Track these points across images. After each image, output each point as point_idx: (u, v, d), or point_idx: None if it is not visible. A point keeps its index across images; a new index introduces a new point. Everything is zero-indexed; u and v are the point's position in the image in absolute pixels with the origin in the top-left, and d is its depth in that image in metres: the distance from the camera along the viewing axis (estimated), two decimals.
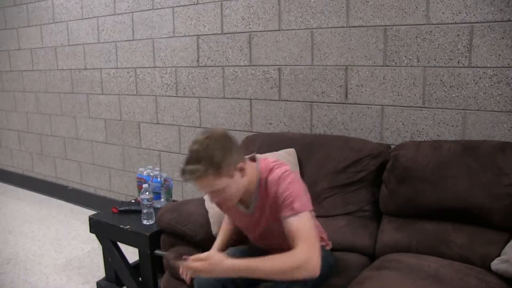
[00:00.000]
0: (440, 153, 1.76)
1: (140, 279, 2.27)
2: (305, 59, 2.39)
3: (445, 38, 1.97)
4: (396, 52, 2.10)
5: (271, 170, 1.44)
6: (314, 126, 2.43)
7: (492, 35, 1.87)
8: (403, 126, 2.14)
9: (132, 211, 2.40)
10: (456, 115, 2.00)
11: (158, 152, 3.23)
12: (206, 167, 1.32)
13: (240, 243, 1.78)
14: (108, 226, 2.27)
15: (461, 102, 1.98)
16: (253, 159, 1.52)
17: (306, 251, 1.27)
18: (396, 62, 2.11)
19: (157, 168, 2.69)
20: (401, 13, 2.06)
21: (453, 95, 2.00)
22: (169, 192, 2.56)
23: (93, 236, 2.44)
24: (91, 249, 2.98)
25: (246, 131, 2.69)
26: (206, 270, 1.31)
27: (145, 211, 2.24)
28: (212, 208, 1.94)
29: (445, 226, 1.72)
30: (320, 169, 2.03)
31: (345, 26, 2.23)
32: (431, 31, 2.00)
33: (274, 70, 2.52)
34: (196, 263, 1.31)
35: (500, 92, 1.89)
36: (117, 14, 3.24)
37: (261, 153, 2.13)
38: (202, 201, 2.10)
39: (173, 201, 2.54)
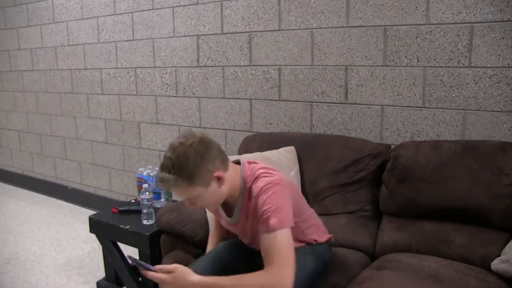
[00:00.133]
0: (440, 153, 1.76)
1: (140, 279, 2.27)
2: (305, 59, 2.39)
3: (445, 38, 1.97)
4: (396, 52, 2.10)
5: (256, 178, 1.36)
6: (314, 126, 2.43)
7: (492, 35, 1.87)
8: (403, 126, 2.14)
9: (132, 211, 2.40)
10: (456, 115, 2.00)
11: (158, 152, 3.23)
12: (175, 176, 1.27)
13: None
14: (108, 226, 2.27)
15: (461, 102, 1.98)
16: (238, 163, 1.45)
17: (275, 273, 1.21)
18: (396, 62, 2.11)
19: (157, 168, 2.69)
20: (401, 13, 2.06)
21: (453, 95, 1.99)
22: (169, 192, 2.56)
23: (93, 236, 2.44)
24: (91, 249, 2.97)
25: (246, 131, 2.69)
26: (170, 283, 1.25)
27: (145, 211, 2.24)
28: None
29: (445, 226, 1.72)
30: (320, 168, 2.03)
31: (345, 26, 2.23)
32: (431, 31, 2.00)
33: (274, 70, 2.52)
34: (160, 275, 1.25)
35: (500, 92, 1.89)
36: (117, 14, 3.24)
37: (260, 151, 2.13)
38: None
39: (173, 201, 2.54)
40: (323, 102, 2.37)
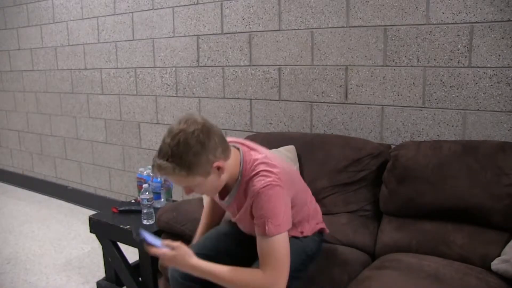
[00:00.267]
0: (440, 153, 1.76)
1: (140, 279, 2.27)
2: (305, 59, 2.39)
3: (445, 38, 1.97)
4: (396, 52, 2.10)
5: (255, 175, 1.31)
6: (314, 126, 2.43)
7: (492, 35, 1.87)
8: (403, 126, 2.14)
9: (132, 211, 2.40)
10: (456, 115, 2.00)
11: None
12: (173, 165, 1.21)
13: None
14: (108, 226, 2.27)
15: (461, 102, 1.98)
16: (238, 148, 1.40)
17: (270, 276, 1.24)
18: (396, 62, 2.11)
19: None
20: (401, 13, 2.06)
21: (453, 95, 2.00)
22: (169, 192, 2.56)
23: (93, 236, 2.44)
24: (91, 249, 2.97)
25: (246, 131, 2.69)
26: (170, 259, 1.30)
27: (145, 211, 2.24)
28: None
29: (445, 226, 1.72)
30: (320, 167, 2.03)
31: (345, 26, 2.23)
32: (431, 31, 2.00)
33: (274, 70, 2.52)
34: (163, 250, 1.30)
35: (500, 92, 1.89)
36: (117, 14, 3.24)
37: None
38: (201, 200, 2.10)
39: (173, 201, 2.54)
40: (323, 102, 2.37)
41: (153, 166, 1.26)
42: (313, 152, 2.09)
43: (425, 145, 1.82)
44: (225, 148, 1.31)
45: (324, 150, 2.06)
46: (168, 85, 3.05)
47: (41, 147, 4.20)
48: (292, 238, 1.51)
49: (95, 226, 2.35)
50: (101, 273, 2.56)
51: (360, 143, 2.03)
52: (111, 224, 2.25)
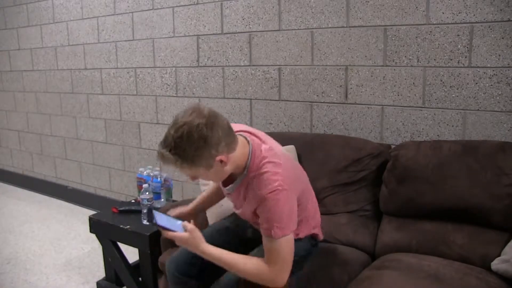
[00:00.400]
0: (440, 153, 1.76)
1: (140, 279, 2.27)
2: (305, 59, 2.39)
3: (445, 38, 1.97)
4: (396, 52, 2.10)
5: (263, 174, 1.31)
6: (314, 126, 2.43)
7: (492, 35, 1.87)
8: (403, 126, 2.14)
9: (132, 211, 2.40)
10: (456, 115, 2.00)
11: None
12: (176, 158, 1.23)
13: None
14: (108, 226, 2.27)
15: (461, 102, 1.98)
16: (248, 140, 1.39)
17: (274, 271, 1.32)
18: (396, 62, 2.11)
19: (157, 168, 2.70)
20: (401, 13, 2.06)
21: (453, 95, 2.00)
22: (169, 192, 2.56)
23: (93, 236, 2.44)
24: (91, 249, 2.98)
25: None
26: (183, 241, 1.35)
27: (145, 211, 2.24)
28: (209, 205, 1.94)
29: (445, 226, 1.72)
30: (320, 167, 2.03)
31: (345, 26, 2.23)
32: (431, 31, 2.00)
33: (274, 70, 2.52)
34: (177, 234, 1.34)
35: (500, 92, 1.89)
36: (117, 14, 3.24)
37: None
38: None
39: (173, 201, 2.54)
40: (323, 102, 2.37)
41: (157, 154, 1.28)
42: (313, 152, 2.09)
43: (425, 145, 1.83)
44: (230, 142, 1.30)
45: (324, 150, 2.07)
46: (168, 85, 3.05)
47: (41, 147, 4.20)
48: None
49: (95, 226, 2.35)
50: (101, 273, 2.56)
51: (360, 143, 2.04)
52: (111, 224, 2.25)
